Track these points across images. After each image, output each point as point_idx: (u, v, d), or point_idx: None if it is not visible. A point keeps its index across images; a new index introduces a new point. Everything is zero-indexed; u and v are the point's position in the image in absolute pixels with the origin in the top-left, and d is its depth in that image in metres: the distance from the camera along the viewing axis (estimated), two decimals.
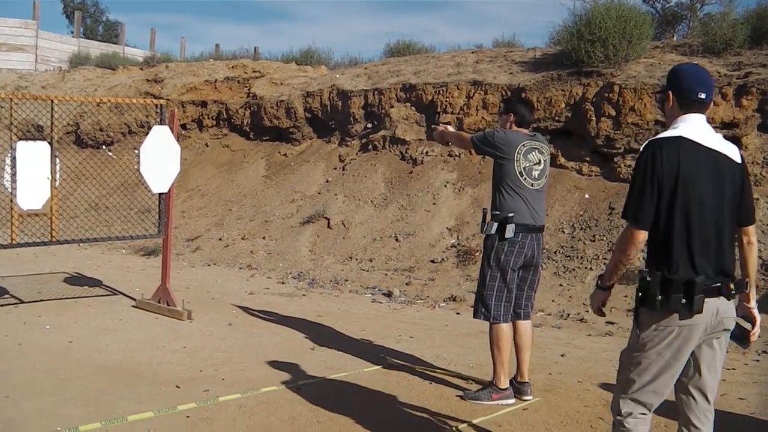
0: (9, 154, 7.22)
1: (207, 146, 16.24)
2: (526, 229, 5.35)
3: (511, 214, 5.29)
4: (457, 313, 8.74)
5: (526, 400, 5.47)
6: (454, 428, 4.92)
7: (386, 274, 10.39)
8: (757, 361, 6.81)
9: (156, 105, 8.64)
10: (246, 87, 16.55)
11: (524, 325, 5.62)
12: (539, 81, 11.73)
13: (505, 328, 5.43)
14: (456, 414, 5.20)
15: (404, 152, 12.81)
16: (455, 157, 12.15)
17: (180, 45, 42.65)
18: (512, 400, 5.42)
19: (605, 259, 9.23)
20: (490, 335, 5.48)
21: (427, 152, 12.50)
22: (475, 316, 5.60)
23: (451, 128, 6.15)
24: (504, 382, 5.43)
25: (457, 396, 5.57)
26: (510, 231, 5.29)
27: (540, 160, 5.46)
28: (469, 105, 12.33)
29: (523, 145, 5.39)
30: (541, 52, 12.99)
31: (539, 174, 5.45)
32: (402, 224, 11.43)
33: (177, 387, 5.63)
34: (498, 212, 5.37)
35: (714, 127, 11.56)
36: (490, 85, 12.24)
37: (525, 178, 5.36)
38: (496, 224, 5.35)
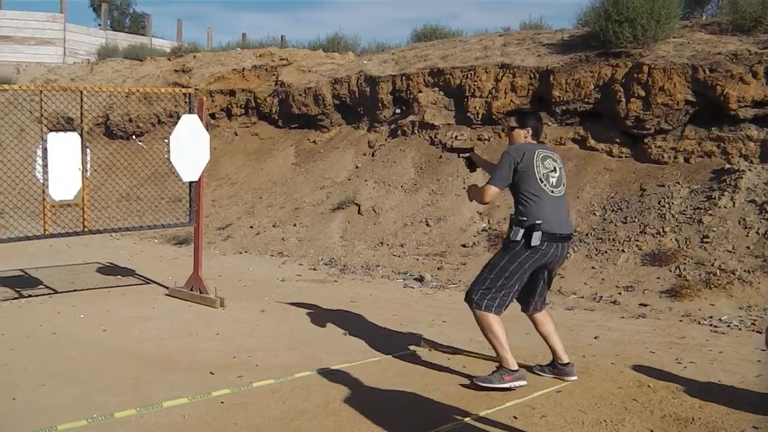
0: (40, 146, 7.28)
1: (236, 135, 16.29)
2: (552, 238, 5.24)
3: (538, 222, 5.19)
4: None
5: (571, 381, 5.47)
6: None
7: (417, 259, 10.37)
8: None
9: (184, 94, 8.70)
10: (274, 75, 16.55)
11: (541, 316, 5.62)
12: (567, 63, 11.62)
13: (492, 316, 5.38)
14: (490, 397, 5.18)
15: (433, 137, 12.75)
16: (485, 141, 12.08)
17: (207, 35, 42.65)
18: (525, 381, 5.35)
19: (637, 240, 9.14)
20: (479, 323, 5.43)
21: (456, 137, 12.44)
22: (465, 299, 5.60)
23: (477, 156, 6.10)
24: (512, 364, 5.33)
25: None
26: (536, 239, 5.17)
27: (555, 168, 5.38)
28: (498, 88, 12.24)
29: (538, 153, 5.34)
30: (569, 34, 12.85)
31: (557, 181, 5.35)
32: (432, 209, 11.40)
33: (211, 373, 5.67)
34: (525, 219, 5.25)
35: (744, 107, 11.23)
36: (518, 68, 12.14)
37: (545, 184, 5.27)
38: (522, 231, 5.23)
